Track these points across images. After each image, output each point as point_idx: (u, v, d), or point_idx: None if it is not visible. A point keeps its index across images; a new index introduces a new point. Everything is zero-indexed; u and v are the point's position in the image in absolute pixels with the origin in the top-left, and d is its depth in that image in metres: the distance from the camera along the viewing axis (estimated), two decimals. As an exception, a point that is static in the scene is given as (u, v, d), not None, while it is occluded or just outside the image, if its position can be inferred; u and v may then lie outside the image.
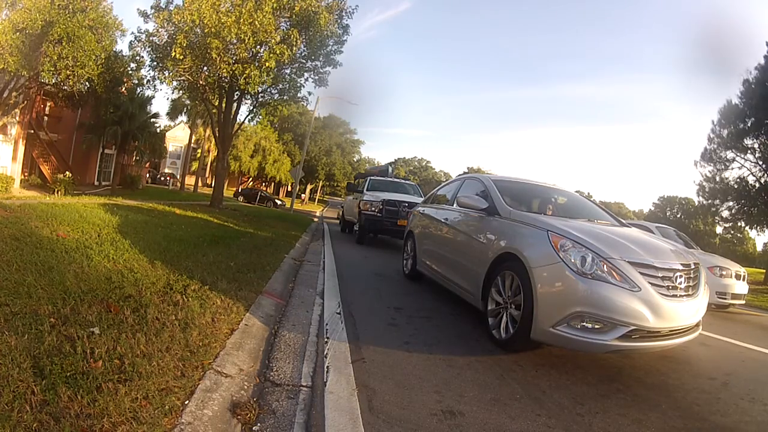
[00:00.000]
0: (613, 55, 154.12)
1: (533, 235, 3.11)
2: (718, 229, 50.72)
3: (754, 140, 19.75)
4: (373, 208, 9.22)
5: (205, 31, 13.08)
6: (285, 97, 16.50)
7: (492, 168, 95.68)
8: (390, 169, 13.66)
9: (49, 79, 14.79)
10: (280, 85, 15.65)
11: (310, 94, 20.25)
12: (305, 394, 2.14)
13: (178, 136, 42.38)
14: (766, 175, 19.66)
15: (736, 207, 21.46)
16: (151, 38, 14.68)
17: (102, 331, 2.21)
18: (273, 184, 50.56)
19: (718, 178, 21.82)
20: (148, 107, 23.27)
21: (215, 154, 22.91)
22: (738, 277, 7.18)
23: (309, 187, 55.32)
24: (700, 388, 2.78)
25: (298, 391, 2.16)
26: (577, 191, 5.12)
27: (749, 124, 19.49)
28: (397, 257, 7.13)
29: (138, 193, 20.56)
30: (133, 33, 15.12)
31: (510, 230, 3.40)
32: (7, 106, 15.53)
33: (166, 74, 14.44)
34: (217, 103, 16.35)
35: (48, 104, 20.76)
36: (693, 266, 3.02)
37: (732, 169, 21.18)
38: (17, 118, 17.10)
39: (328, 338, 2.96)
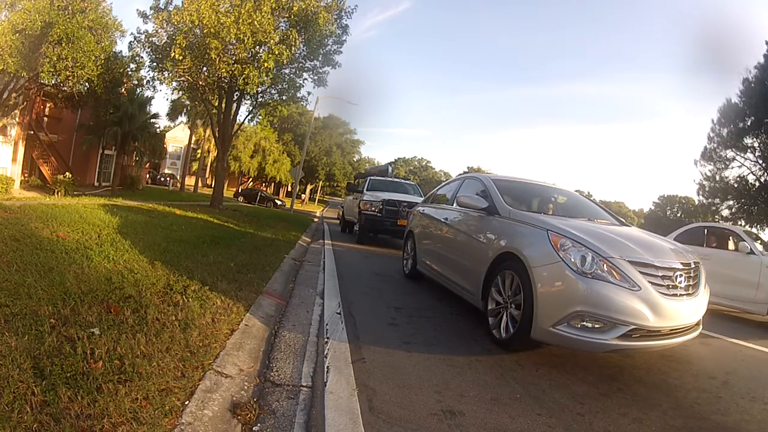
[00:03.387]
0: (613, 54, 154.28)
1: (533, 235, 3.11)
2: (719, 228, 50.62)
3: (754, 139, 19.76)
4: (373, 208, 9.22)
5: (204, 31, 13.08)
6: (284, 98, 16.51)
7: (492, 167, 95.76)
8: (390, 169, 13.66)
9: (49, 80, 14.78)
10: (280, 86, 15.65)
11: (309, 94, 20.31)
12: (305, 394, 2.14)
13: (177, 137, 42.38)
14: (766, 173, 19.65)
15: (736, 206, 21.45)
16: (150, 39, 14.67)
17: (102, 331, 2.21)
18: (273, 184, 50.55)
19: (718, 177, 21.82)
20: (148, 108, 23.29)
21: (215, 154, 22.94)
22: None
23: (309, 187, 55.32)
24: (700, 387, 2.78)
25: (298, 392, 2.16)
26: (577, 190, 5.12)
27: (749, 123, 19.49)
28: (397, 257, 7.13)
29: (138, 194, 20.56)
30: (132, 34, 15.12)
31: (510, 230, 3.40)
32: (6, 107, 15.53)
33: (166, 75, 14.43)
34: (216, 104, 16.35)
35: (48, 105, 20.75)
36: (693, 265, 3.02)
37: (732, 168, 21.20)
38: (17, 119, 17.10)
39: (328, 338, 2.96)
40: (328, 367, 2.46)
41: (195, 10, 12.84)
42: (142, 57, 15.31)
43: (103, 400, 1.62)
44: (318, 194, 65.76)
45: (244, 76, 13.33)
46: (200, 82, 14.89)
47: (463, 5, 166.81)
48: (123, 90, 19.59)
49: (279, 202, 34.55)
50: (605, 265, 2.70)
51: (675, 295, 2.76)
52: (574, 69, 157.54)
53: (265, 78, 13.91)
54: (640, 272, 2.71)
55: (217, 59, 13.26)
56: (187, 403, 1.73)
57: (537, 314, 2.75)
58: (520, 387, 2.44)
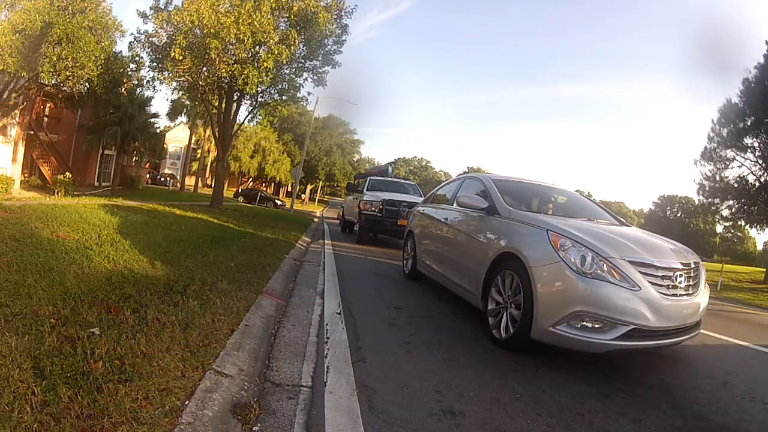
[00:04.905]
0: (613, 55, 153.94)
1: (533, 235, 3.11)
2: (718, 228, 50.83)
3: (754, 139, 19.74)
4: (373, 208, 9.22)
5: (204, 31, 13.09)
6: (284, 98, 16.53)
7: (492, 167, 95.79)
8: (390, 169, 13.67)
9: (49, 80, 14.77)
10: (279, 86, 15.68)
11: (309, 94, 20.39)
12: (305, 394, 2.14)
13: (178, 137, 42.37)
14: (766, 173, 19.65)
15: (736, 206, 21.45)
16: (150, 39, 14.70)
17: (102, 331, 2.21)
18: (273, 184, 50.55)
19: (718, 177, 21.80)
20: (148, 108, 23.30)
21: (215, 154, 22.94)
22: None
23: (309, 187, 55.33)
24: (700, 387, 2.78)
25: (298, 391, 2.16)
26: (577, 190, 5.12)
27: (749, 123, 19.48)
28: (397, 257, 7.13)
29: (138, 194, 20.56)
30: (132, 34, 15.18)
31: (510, 230, 3.40)
32: (6, 107, 15.53)
33: (166, 75, 14.46)
34: (216, 104, 16.36)
35: (48, 105, 20.74)
36: (693, 265, 3.02)
37: (732, 167, 21.17)
38: (17, 119, 17.10)
39: (328, 338, 2.96)
40: (328, 367, 2.46)
41: (195, 10, 12.86)
42: (142, 57, 15.35)
43: (103, 400, 1.62)
44: (318, 194, 65.77)
45: (243, 76, 13.34)
46: (200, 82, 14.91)
47: (463, 5, 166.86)
48: (123, 90, 19.57)
49: (279, 202, 34.54)
50: (605, 265, 2.70)
51: (675, 295, 2.77)
52: (575, 69, 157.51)
53: (265, 78, 13.92)
54: (640, 272, 2.71)
55: (217, 59, 13.27)
56: (187, 402, 1.73)
57: (537, 314, 2.75)
58: (520, 387, 2.44)
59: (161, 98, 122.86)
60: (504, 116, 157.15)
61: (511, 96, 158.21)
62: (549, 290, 2.77)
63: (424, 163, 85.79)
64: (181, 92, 16.81)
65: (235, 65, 13.61)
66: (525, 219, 3.37)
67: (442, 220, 4.74)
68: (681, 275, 2.85)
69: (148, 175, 35.90)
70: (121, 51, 16.67)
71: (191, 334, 2.40)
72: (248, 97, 16.47)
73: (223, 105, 16.12)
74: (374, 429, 1.85)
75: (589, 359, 3.03)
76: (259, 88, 14.98)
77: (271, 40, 13.56)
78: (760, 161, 19.68)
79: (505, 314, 3.10)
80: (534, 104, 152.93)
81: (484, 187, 4.24)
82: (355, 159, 56.06)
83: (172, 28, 14.09)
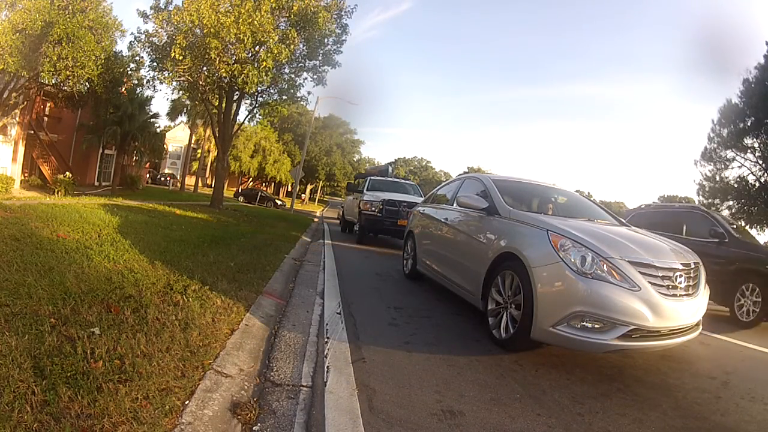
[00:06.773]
0: (613, 55, 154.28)
1: (533, 235, 3.11)
2: (718, 229, 50.68)
3: (754, 139, 19.75)
4: (373, 208, 9.22)
5: (204, 31, 13.10)
6: (284, 97, 16.53)
7: (492, 167, 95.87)
8: (390, 169, 13.66)
9: (49, 80, 14.78)
10: (279, 85, 15.68)
11: (309, 93, 20.41)
12: (305, 394, 2.14)
13: (178, 137, 42.37)
14: (766, 174, 19.65)
15: (736, 206, 21.43)
16: (150, 39, 14.70)
17: (102, 331, 2.21)
18: (273, 184, 50.57)
19: (718, 177, 21.80)
20: (148, 108, 23.31)
21: (215, 154, 22.94)
22: None
23: (309, 187, 55.32)
24: (700, 387, 2.78)
25: (298, 391, 2.16)
26: (577, 190, 5.12)
27: (749, 124, 19.49)
28: (397, 257, 7.13)
29: (138, 194, 20.56)
30: (132, 33, 15.20)
31: (510, 230, 3.40)
32: (7, 106, 15.53)
33: (166, 74, 14.46)
34: (216, 104, 16.37)
35: (48, 105, 20.75)
36: (693, 266, 3.02)
37: (732, 168, 21.19)
38: (17, 118, 17.11)
39: (328, 338, 2.96)
40: (328, 366, 2.46)
41: (195, 10, 12.86)
42: (142, 57, 15.37)
43: (103, 399, 1.62)
44: (318, 194, 65.76)
45: (243, 75, 13.34)
46: (200, 82, 14.91)
47: (463, 5, 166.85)
48: (123, 90, 19.60)
49: (279, 202, 34.54)
50: (605, 265, 2.70)
51: (675, 295, 2.77)
52: (575, 69, 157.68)
53: (265, 77, 13.93)
54: (640, 272, 2.71)
55: (217, 59, 13.27)
56: (187, 402, 1.73)
57: (537, 314, 2.75)
58: (519, 387, 2.44)
59: (161, 98, 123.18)
60: (504, 116, 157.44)
61: (511, 96, 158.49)
62: (549, 290, 2.77)
63: (424, 163, 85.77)
64: (181, 92, 16.82)
65: (235, 65, 13.62)
66: (525, 219, 3.37)
67: (442, 220, 4.74)
68: (681, 276, 2.85)
69: (148, 175, 35.91)
70: (121, 51, 16.72)
71: (191, 333, 2.40)
72: (248, 97, 16.47)
73: (223, 105, 16.13)
74: (374, 429, 1.85)
75: (589, 359, 3.03)
76: (259, 88, 14.99)
77: (271, 40, 13.55)
78: (760, 162, 19.69)
79: (505, 314, 3.10)
80: (534, 104, 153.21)
81: (484, 187, 4.24)
82: (355, 159, 56.01)
83: (172, 28, 14.09)
